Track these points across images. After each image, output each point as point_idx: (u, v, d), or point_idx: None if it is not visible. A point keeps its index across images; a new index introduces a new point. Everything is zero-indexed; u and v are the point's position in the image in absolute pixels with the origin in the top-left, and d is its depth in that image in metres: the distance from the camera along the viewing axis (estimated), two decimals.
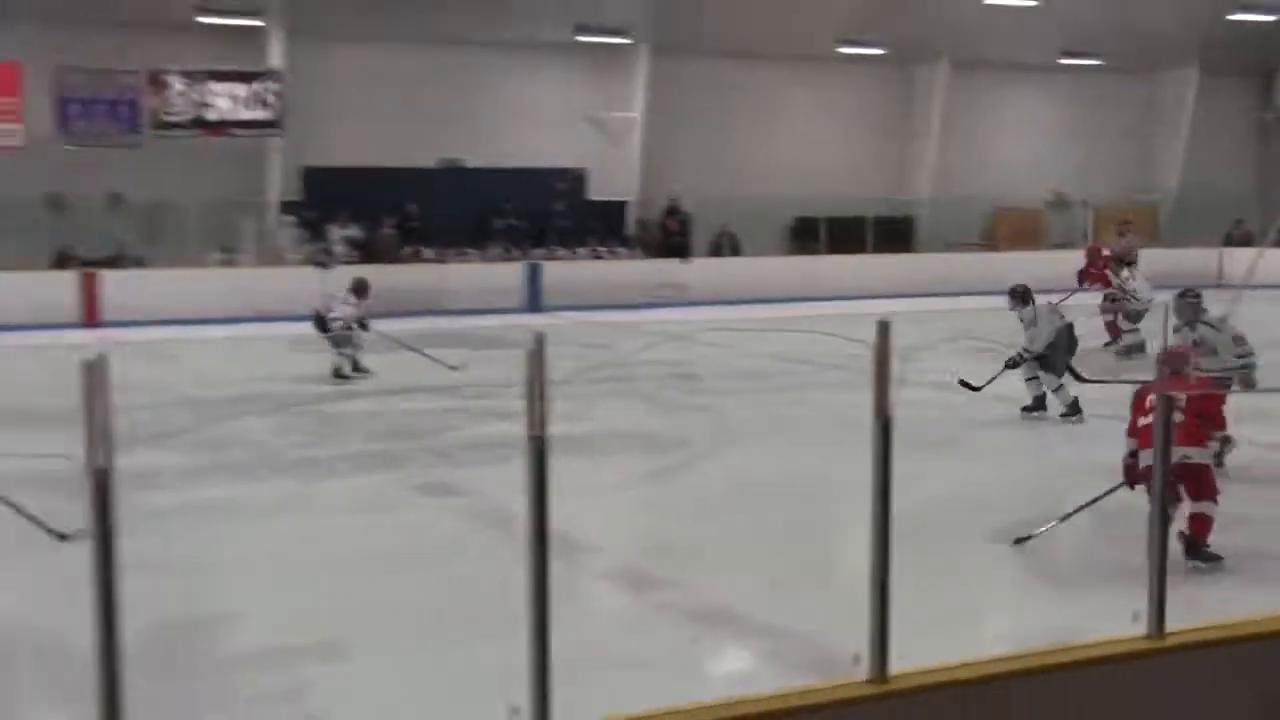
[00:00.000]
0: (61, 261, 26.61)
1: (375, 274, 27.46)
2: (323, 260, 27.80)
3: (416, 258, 29.10)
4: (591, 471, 10.88)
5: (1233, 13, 30.32)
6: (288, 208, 29.25)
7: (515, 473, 4.38)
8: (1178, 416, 8.65)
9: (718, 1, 27.16)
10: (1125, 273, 20.71)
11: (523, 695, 4.29)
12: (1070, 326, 14.87)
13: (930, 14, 29.97)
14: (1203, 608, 6.02)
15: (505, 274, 28.96)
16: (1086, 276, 22.05)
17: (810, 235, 32.88)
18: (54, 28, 26.37)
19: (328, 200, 29.26)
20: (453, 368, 18.75)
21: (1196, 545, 8.89)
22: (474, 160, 31.13)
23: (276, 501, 11.73)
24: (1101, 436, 11.52)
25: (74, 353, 3.90)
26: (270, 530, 10.84)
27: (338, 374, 18.32)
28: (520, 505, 4.29)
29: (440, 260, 29.27)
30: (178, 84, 27.30)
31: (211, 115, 27.69)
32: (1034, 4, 28.80)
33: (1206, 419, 9.37)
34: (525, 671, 4.31)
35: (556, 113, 32.09)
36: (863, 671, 4.81)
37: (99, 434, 3.65)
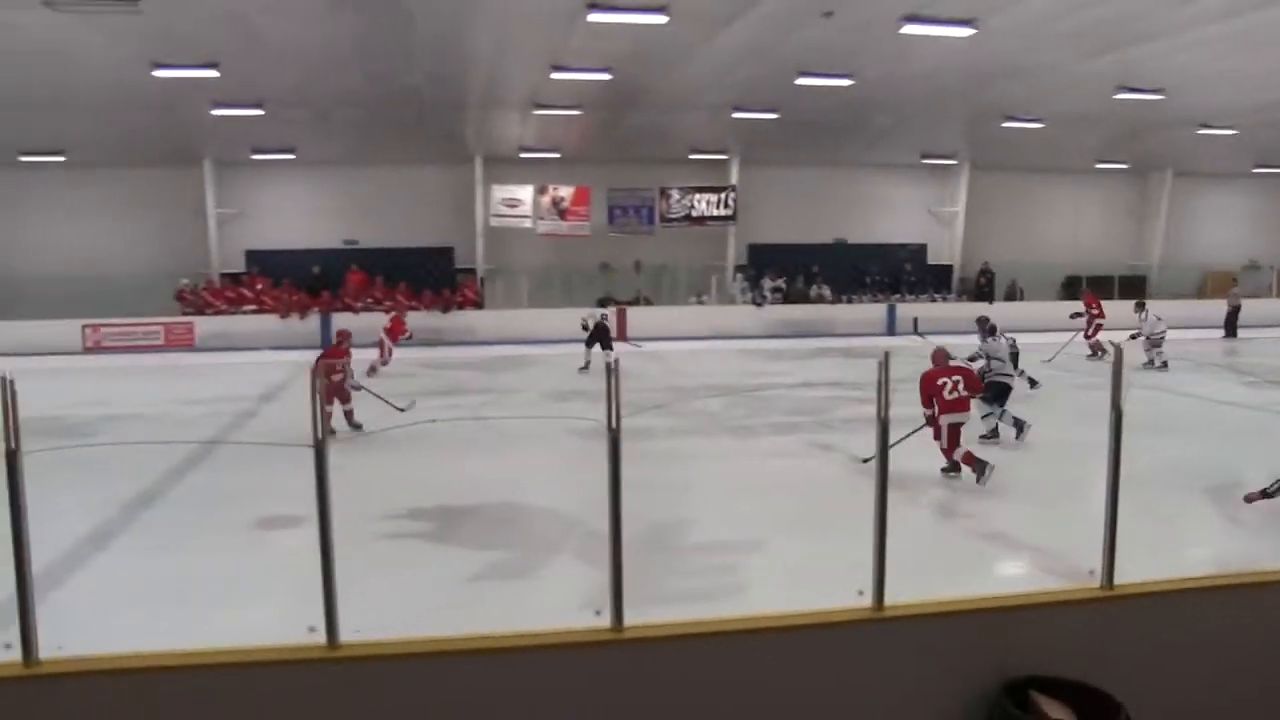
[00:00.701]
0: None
1: (792, 311, 27.68)
2: (759, 301, 28.05)
3: (819, 299, 28.85)
4: (920, 437, 10.52)
5: None
6: (738, 269, 29.52)
7: (871, 438, 4.41)
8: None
9: (1015, 137, 25.95)
10: (1143, 314, 19.15)
11: (866, 581, 4.38)
12: (1013, 341, 13.39)
13: (1159, 140, 27.74)
14: None
15: (872, 311, 28.42)
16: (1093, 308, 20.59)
17: (1075, 286, 30.93)
18: (606, 165, 27.45)
19: (762, 263, 29.40)
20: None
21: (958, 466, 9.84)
22: (853, 238, 30.76)
23: (721, 450, 11.87)
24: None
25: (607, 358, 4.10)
26: (717, 468, 10.97)
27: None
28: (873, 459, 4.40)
29: (833, 302, 28.92)
30: (675, 194, 27.95)
31: (695, 213, 28.20)
32: (1233, 133, 26.29)
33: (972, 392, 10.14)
34: (869, 565, 4.38)
35: (907, 207, 31.39)
36: (1096, 581, 4.64)
37: (613, 405, 3.93)
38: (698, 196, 28.17)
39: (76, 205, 26.42)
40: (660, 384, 17.19)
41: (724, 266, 29.42)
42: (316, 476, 3.85)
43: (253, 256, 27.37)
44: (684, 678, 4.16)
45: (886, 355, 4.26)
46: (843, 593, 4.42)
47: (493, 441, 11.96)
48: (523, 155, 27.11)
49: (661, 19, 16.13)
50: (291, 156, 26.09)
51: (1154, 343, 18.60)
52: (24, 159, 24.84)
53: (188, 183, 26.60)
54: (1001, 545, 8.05)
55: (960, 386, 9.83)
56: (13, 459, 3.63)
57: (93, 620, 4.97)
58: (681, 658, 4.18)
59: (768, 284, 28.71)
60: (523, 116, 24.05)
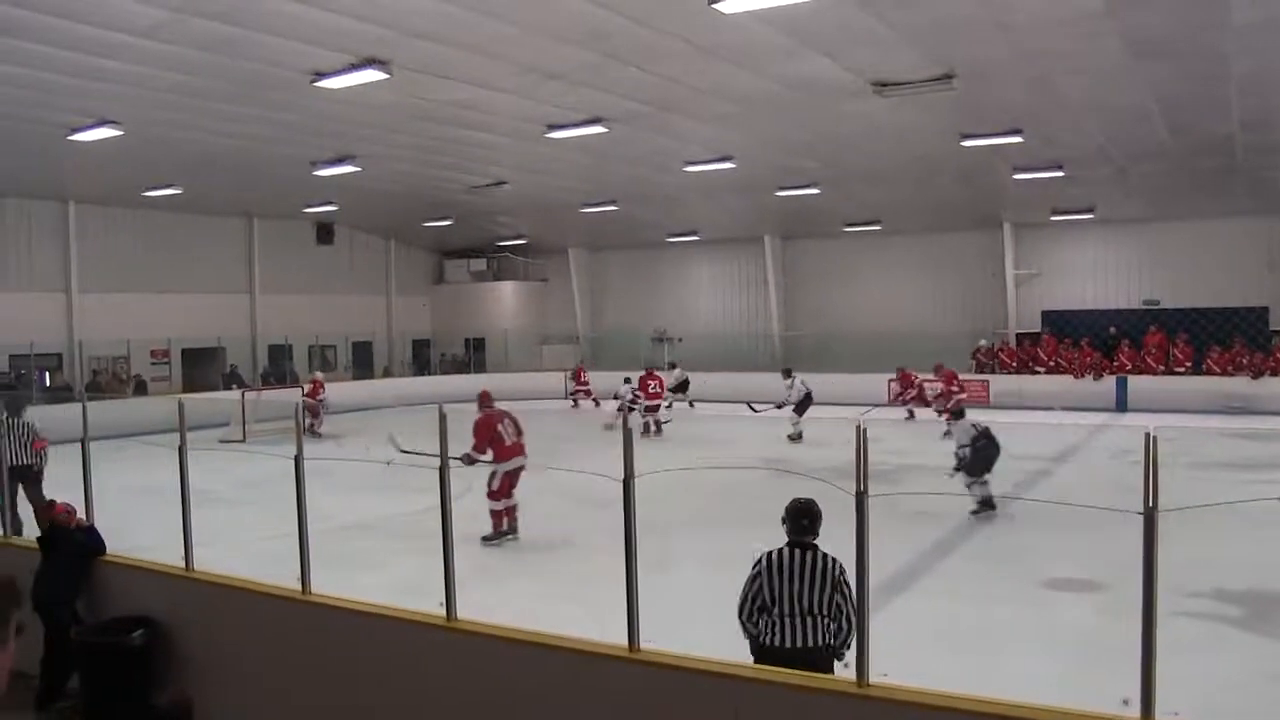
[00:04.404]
0: None
1: None
2: None
3: None
4: None
5: None
6: None
7: None
8: None
9: None
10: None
11: None
12: None
13: None
14: None
15: None
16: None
17: None
18: None
19: None
20: None
21: None
22: None
23: None
24: None
25: None
26: None
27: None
28: None
29: None
30: None
31: None
32: None
33: None
34: None
35: None
36: None
37: None
38: None
39: (887, 269, 29.34)
40: None
41: None
42: (1145, 542, 3.51)
43: (1048, 317, 27.39)
44: None
45: None
46: None
47: None
48: None
49: None
50: (1090, 216, 25.58)
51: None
52: (846, 229, 27.87)
53: (987, 245, 27.68)
54: None
55: None
56: (860, 501, 3.91)
57: (899, 653, 5.26)
58: None
59: None
60: None
